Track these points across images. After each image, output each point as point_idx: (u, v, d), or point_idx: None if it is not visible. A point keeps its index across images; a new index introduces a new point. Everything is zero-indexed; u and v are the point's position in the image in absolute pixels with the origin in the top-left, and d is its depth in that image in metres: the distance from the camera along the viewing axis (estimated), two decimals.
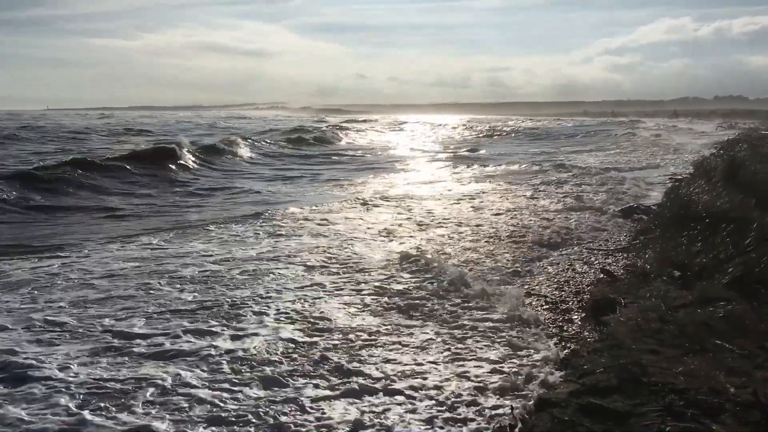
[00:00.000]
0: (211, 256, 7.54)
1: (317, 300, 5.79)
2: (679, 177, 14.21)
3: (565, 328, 5.12)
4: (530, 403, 3.67)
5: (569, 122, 68.28)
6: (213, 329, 5.03)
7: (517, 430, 3.42)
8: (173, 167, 19.01)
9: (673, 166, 19.23)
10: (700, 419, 3.18)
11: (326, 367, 4.30)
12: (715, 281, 5.42)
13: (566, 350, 4.58)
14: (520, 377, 4.05)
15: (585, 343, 4.69)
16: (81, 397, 3.88)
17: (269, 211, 10.73)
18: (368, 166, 22.16)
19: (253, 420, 3.61)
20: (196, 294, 5.98)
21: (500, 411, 3.64)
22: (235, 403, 3.81)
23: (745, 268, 5.42)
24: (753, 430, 3.10)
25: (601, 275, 6.61)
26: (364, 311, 5.48)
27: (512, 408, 3.60)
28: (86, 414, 3.67)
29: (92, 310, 5.52)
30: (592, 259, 7.55)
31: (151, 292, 6.07)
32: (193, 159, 20.98)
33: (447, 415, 3.64)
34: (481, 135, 46.42)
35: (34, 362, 4.37)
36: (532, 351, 4.52)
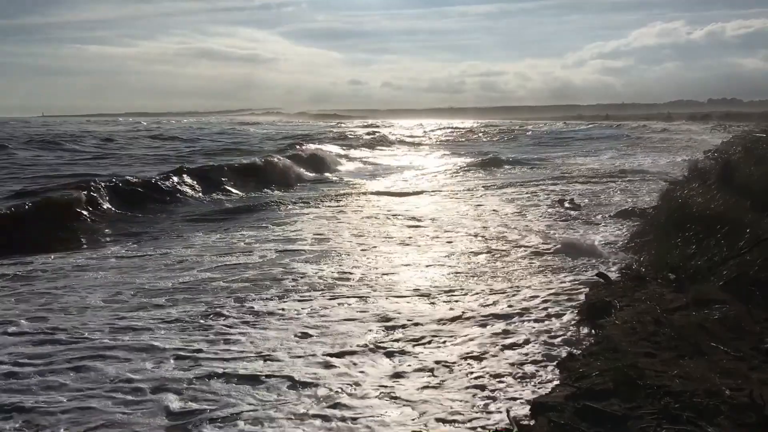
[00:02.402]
0: None
1: None
2: (674, 179, 14.25)
3: None
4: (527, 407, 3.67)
5: (583, 126, 68.86)
6: None
7: None
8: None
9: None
10: (696, 422, 3.18)
11: None
12: (710, 283, 5.43)
13: None
14: None
15: (581, 346, 4.69)
16: None
17: None
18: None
19: None
20: None
21: None
22: None
23: (739, 270, 5.42)
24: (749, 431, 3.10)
25: (596, 278, 6.60)
26: None
27: (508, 411, 3.59)
28: None
29: None
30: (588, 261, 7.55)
31: None
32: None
33: None
34: (501, 137, 48.94)
35: None
36: None
